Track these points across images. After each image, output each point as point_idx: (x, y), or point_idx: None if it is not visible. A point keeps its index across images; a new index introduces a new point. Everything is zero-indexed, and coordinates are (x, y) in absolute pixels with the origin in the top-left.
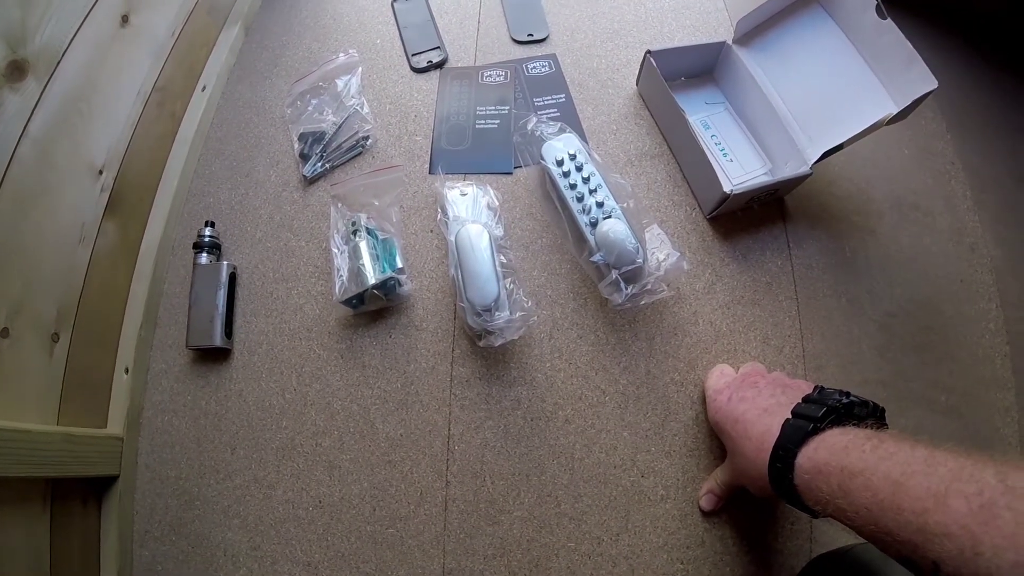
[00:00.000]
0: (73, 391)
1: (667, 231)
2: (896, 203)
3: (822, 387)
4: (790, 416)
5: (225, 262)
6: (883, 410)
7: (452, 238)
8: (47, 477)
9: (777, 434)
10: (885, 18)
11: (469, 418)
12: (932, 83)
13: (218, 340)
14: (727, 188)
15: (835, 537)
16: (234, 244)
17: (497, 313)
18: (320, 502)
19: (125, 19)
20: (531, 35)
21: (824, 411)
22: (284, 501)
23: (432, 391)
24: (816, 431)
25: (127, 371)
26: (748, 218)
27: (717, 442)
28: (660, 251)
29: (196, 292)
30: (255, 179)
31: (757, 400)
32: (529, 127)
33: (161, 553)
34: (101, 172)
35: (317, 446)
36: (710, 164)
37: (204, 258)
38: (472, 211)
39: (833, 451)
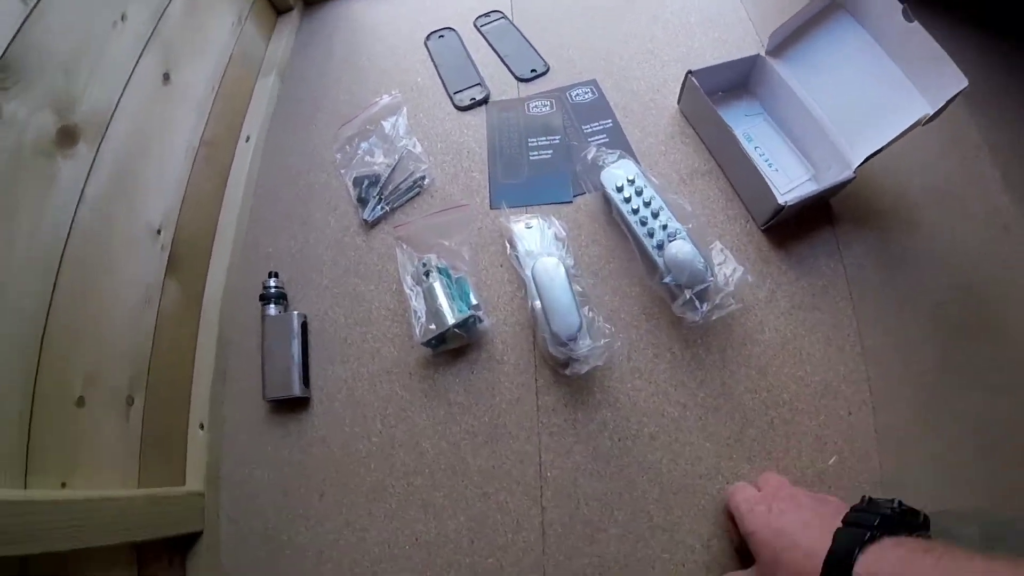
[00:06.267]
0: (151, 452)
1: (727, 245)
2: (931, 194)
3: (870, 497)
4: (841, 525)
5: (295, 312)
6: (928, 519)
7: (528, 272)
8: (135, 543)
9: (829, 543)
10: (912, 21)
11: (558, 444)
12: (963, 81)
13: (297, 390)
14: (780, 200)
15: None
16: (300, 292)
17: (581, 342)
18: (417, 540)
19: (166, 77)
20: (534, 70)
21: (879, 520)
22: (379, 542)
23: (520, 421)
24: (872, 539)
25: (202, 427)
26: (798, 225)
27: (795, 443)
28: (726, 267)
29: (268, 344)
30: (313, 226)
31: (800, 512)
32: (589, 157)
33: None
34: (159, 231)
35: (409, 485)
36: (762, 177)
37: (272, 309)
38: (541, 243)
39: (891, 562)
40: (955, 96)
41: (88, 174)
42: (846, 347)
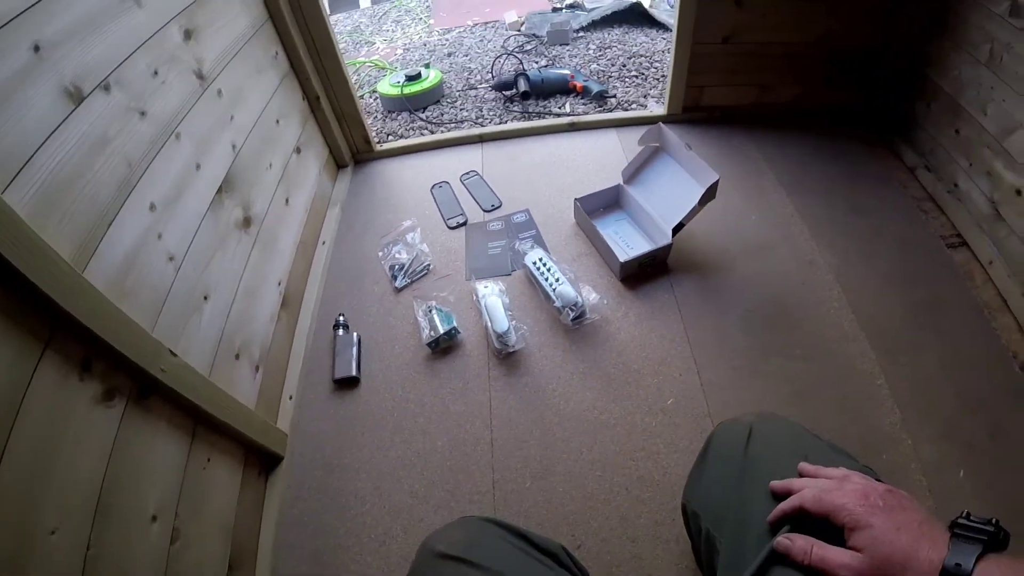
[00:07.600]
0: (261, 404)
1: (595, 289)
2: (748, 249)
3: (967, 512)
4: (950, 532)
5: (355, 332)
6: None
7: (484, 303)
8: (251, 440)
9: (942, 548)
10: (691, 150)
11: (500, 395)
12: (715, 176)
13: (354, 371)
14: (621, 258)
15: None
16: (355, 326)
17: (509, 336)
18: (419, 454)
19: (287, 200)
20: (493, 205)
21: (988, 537)
22: (395, 457)
23: (479, 383)
24: (983, 554)
25: (291, 398)
26: (645, 277)
27: (643, 392)
28: (591, 297)
29: (338, 350)
30: (364, 291)
31: (914, 513)
32: (519, 248)
33: (308, 509)
34: (279, 283)
35: (415, 422)
36: (614, 253)
37: (341, 331)
38: (491, 292)
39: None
40: (713, 184)
41: (252, 245)
42: (676, 339)
